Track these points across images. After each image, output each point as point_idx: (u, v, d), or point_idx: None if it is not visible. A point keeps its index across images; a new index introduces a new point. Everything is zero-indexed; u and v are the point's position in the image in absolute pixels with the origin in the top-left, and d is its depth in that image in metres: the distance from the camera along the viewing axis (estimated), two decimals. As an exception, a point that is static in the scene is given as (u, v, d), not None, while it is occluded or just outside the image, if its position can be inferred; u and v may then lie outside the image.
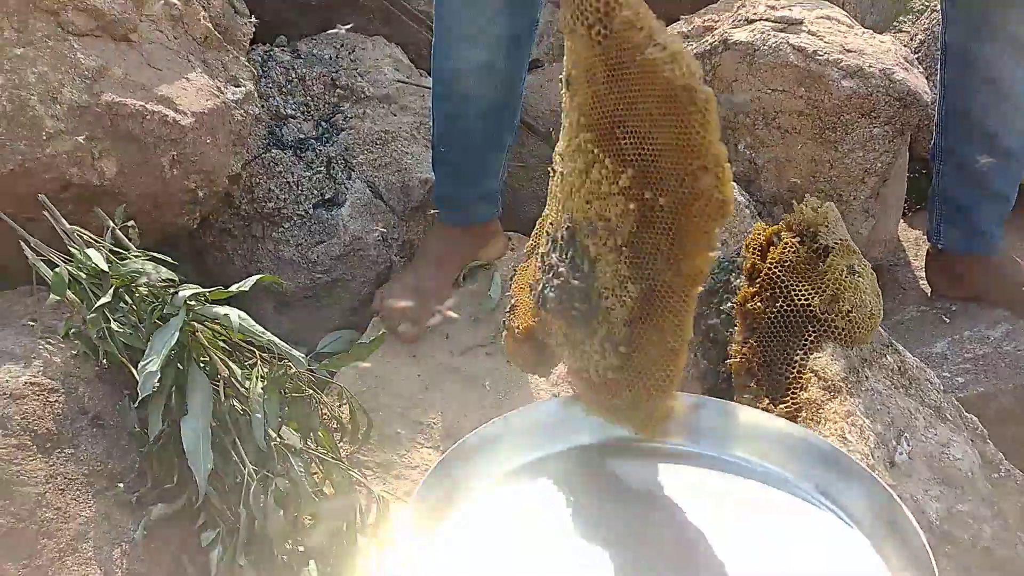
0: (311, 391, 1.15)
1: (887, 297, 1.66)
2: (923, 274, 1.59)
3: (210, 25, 1.44)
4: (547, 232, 0.77)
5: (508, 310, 0.86)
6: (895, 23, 2.46)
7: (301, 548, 1.05)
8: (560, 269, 0.71)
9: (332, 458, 1.11)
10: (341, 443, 1.17)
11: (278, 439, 1.08)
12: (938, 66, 1.41)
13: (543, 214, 0.87)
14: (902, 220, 1.79)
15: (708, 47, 1.65)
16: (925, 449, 0.74)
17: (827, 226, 0.80)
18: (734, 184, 1.63)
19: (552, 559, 0.68)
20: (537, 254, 0.79)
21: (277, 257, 1.50)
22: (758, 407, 0.77)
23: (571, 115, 0.70)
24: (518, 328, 0.82)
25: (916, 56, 1.86)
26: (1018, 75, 1.28)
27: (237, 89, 1.46)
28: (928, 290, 1.58)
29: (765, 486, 0.69)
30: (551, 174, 0.77)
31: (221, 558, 1.01)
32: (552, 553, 0.68)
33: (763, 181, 1.67)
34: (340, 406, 1.16)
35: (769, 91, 1.58)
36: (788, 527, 0.67)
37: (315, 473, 1.10)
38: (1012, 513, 0.74)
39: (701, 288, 0.67)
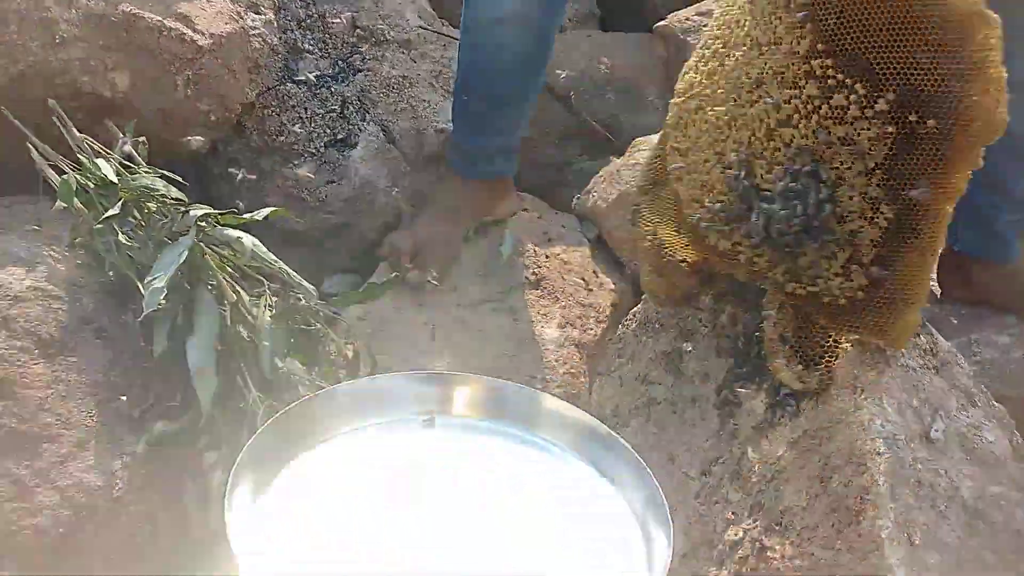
0: (319, 325, 1.13)
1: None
2: (935, 275, 1.58)
3: (232, -52, 1.40)
4: (734, 163, 0.80)
5: (650, 249, 0.85)
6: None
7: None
8: (785, 198, 0.74)
9: (336, 392, 1.08)
10: (344, 379, 1.14)
11: (283, 368, 1.06)
12: None
13: (661, 145, 0.93)
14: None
15: (738, 27, 1.64)
16: (958, 429, 0.73)
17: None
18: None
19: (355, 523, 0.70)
20: (705, 187, 0.83)
21: (285, 193, 1.47)
22: (792, 373, 0.77)
23: (790, 42, 0.72)
24: (685, 262, 0.84)
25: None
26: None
27: (257, 16, 1.42)
28: (938, 291, 1.57)
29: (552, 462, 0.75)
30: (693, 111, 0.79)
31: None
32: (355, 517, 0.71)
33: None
34: (346, 344, 1.14)
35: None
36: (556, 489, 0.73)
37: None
38: (1037, 501, 0.73)
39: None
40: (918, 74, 0.68)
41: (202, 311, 1.02)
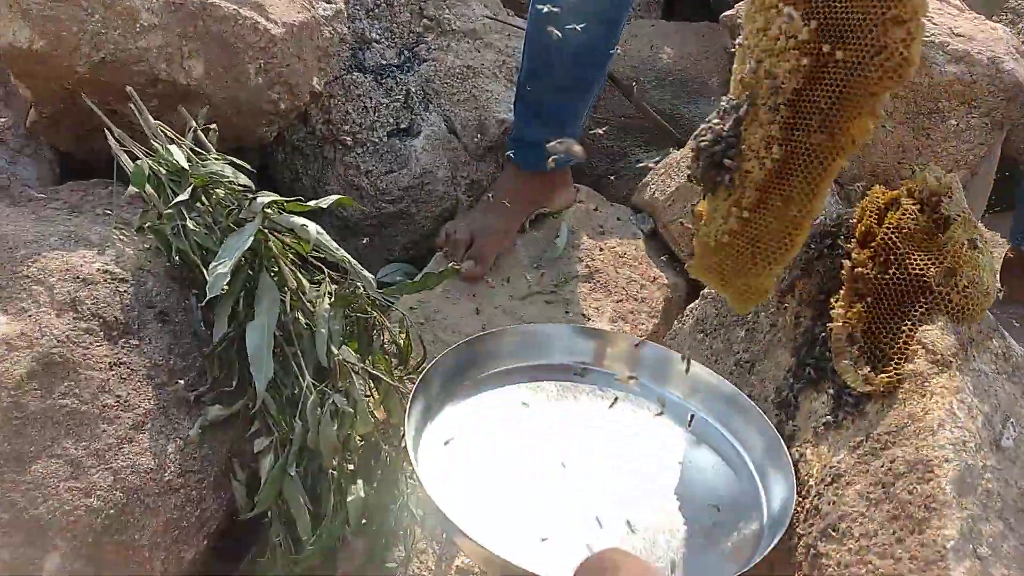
0: (376, 314, 1.14)
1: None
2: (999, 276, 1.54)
3: (305, -62, 1.41)
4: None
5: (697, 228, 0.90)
6: (1006, 10, 2.36)
7: (351, 467, 1.04)
8: (711, 133, 0.73)
9: (388, 381, 1.10)
10: (397, 368, 1.15)
11: (339, 356, 1.07)
12: None
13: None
14: (980, 220, 1.73)
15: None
16: (1029, 437, 0.71)
17: (951, 197, 0.76)
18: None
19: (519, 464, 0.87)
20: None
21: (347, 182, 1.49)
22: (859, 374, 0.75)
23: None
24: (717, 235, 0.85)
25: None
26: None
27: (328, 5, 1.44)
28: (1002, 293, 1.53)
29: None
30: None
31: (272, 465, 1.00)
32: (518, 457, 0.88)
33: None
34: (400, 333, 1.15)
35: (864, 69, 1.53)
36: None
37: (369, 396, 1.09)
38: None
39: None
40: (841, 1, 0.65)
41: (263, 297, 1.04)
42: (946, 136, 1.48)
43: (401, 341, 1.15)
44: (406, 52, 1.60)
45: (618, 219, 1.57)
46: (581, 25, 1.33)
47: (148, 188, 1.09)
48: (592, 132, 1.66)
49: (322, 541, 1.00)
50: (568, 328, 1.06)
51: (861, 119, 0.66)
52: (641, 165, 1.68)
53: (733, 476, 0.83)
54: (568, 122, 1.42)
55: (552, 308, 1.34)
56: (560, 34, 1.34)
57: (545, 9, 1.35)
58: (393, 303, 1.19)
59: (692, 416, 0.92)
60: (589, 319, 1.34)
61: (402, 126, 1.52)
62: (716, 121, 0.74)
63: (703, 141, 0.75)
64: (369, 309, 1.14)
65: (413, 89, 1.55)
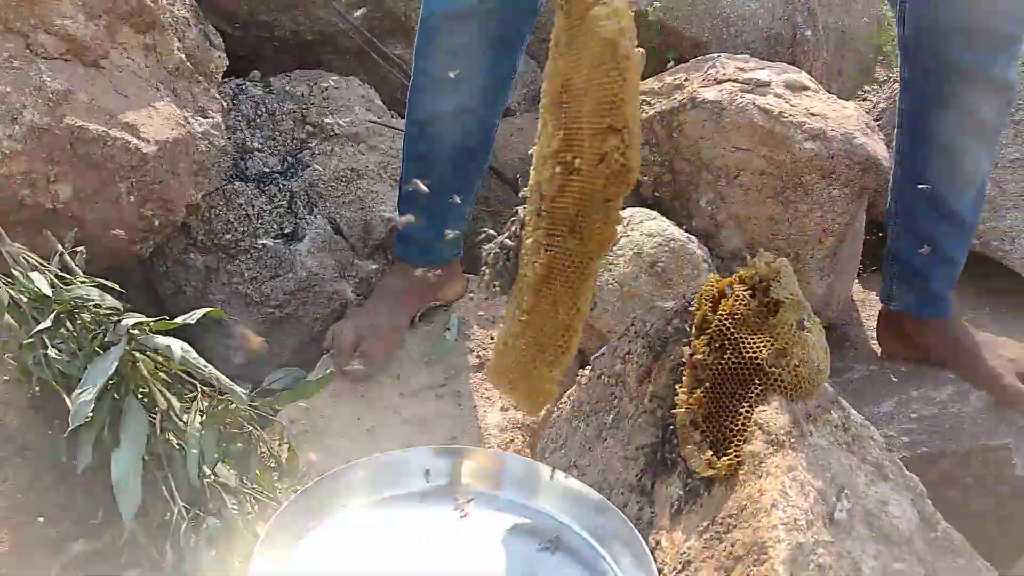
0: (251, 428, 1.13)
1: (839, 355, 1.68)
2: (874, 334, 1.61)
3: (183, 56, 1.44)
4: None
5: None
6: (859, 92, 2.53)
7: (232, 590, 1.01)
8: (502, 240, 0.76)
9: (268, 498, 1.08)
10: (278, 483, 1.13)
11: (213, 476, 1.05)
12: (895, 133, 1.44)
13: None
14: (856, 280, 1.82)
15: (677, 104, 1.68)
16: (865, 507, 0.73)
17: (779, 281, 0.80)
18: (692, 237, 1.64)
19: None
20: None
21: (230, 290, 1.48)
22: (702, 459, 0.77)
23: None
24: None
25: (878, 123, 1.91)
26: (969, 146, 1.32)
27: (204, 120, 1.46)
28: (879, 350, 1.59)
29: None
30: None
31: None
32: None
33: (723, 237, 1.68)
34: (280, 444, 1.13)
35: (734, 149, 1.61)
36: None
37: (250, 513, 1.07)
38: (946, 573, 0.73)
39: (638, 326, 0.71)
40: (578, 110, 0.68)
41: (130, 421, 1.01)
42: (811, 208, 1.56)
43: (283, 454, 1.14)
44: (289, 159, 1.62)
45: (510, 306, 1.60)
46: (455, 127, 1.38)
47: (8, 317, 1.06)
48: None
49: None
50: (423, 451, 1.00)
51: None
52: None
53: None
54: (450, 217, 1.45)
55: (442, 402, 1.35)
56: (436, 136, 1.39)
57: (420, 113, 1.39)
58: (271, 415, 1.17)
59: (556, 539, 0.87)
60: (480, 410, 1.35)
61: (286, 231, 1.53)
62: (503, 238, 0.78)
63: (488, 251, 0.79)
64: (247, 424, 1.13)
65: (297, 194, 1.57)
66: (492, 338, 1.49)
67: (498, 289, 0.82)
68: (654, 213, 1.63)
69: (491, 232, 0.82)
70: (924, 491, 0.81)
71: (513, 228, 0.77)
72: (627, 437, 0.92)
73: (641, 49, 0.67)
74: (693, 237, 1.58)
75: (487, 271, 0.81)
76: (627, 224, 1.61)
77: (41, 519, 0.96)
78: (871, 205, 1.74)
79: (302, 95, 1.69)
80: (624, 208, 1.67)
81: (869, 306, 1.77)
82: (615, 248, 1.59)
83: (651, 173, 1.77)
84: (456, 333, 1.45)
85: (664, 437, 0.84)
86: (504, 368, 0.80)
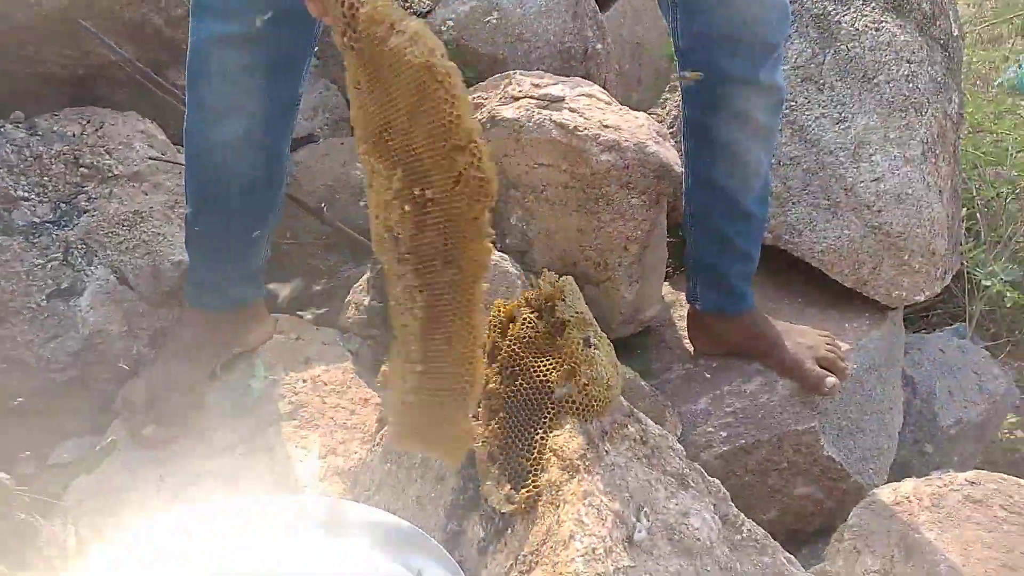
0: (25, 516, 1.00)
1: (656, 357, 1.72)
2: (686, 333, 1.66)
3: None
4: None
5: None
6: (659, 101, 2.65)
7: None
8: (365, 299, 0.71)
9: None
10: (66, 572, 1.02)
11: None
12: (681, 139, 1.50)
13: None
14: (667, 283, 1.87)
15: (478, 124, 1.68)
16: (666, 521, 0.73)
17: (564, 299, 0.79)
18: (504, 256, 1.64)
19: None
20: None
21: (3, 357, 1.33)
22: (501, 494, 0.74)
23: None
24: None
25: (671, 131, 1.99)
26: (748, 146, 1.39)
27: None
28: (692, 348, 1.65)
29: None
30: None
31: None
32: None
33: (536, 252, 1.69)
34: (65, 530, 1.02)
35: (537, 165, 1.62)
36: None
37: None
38: (752, 573, 0.74)
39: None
40: (411, 144, 0.66)
41: None
42: (613, 217, 1.59)
43: (69, 542, 1.02)
44: (62, 205, 1.48)
45: (324, 343, 1.52)
46: (237, 158, 1.30)
47: None
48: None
49: None
50: (200, 510, 0.89)
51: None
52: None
53: None
54: (244, 255, 1.37)
55: (251, 460, 1.26)
56: (217, 169, 1.30)
57: (198, 147, 1.30)
58: (54, 499, 1.05)
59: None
60: (296, 461, 1.27)
61: (63, 286, 1.39)
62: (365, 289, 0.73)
63: (351, 320, 0.74)
64: (19, 513, 1.00)
65: (73, 243, 1.43)
66: (304, 381, 1.42)
67: (384, 367, 0.76)
68: (464, 234, 1.62)
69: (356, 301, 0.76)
70: (727, 495, 0.82)
71: (370, 293, 0.72)
72: (436, 477, 0.88)
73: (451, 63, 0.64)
74: (505, 256, 1.57)
75: (359, 340, 0.75)
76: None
77: None
78: (673, 210, 1.81)
79: (74, 135, 1.54)
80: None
81: (680, 306, 1.83)
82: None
83: (459, 193, 1.75)
84: (263, 381, 1.37)
85: (469, 475, 0.81)
86: (413, 428, 0.73)
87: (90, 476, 1.15)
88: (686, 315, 1.65)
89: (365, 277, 0.76)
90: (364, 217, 1.87)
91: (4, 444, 1.32)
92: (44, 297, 1.37)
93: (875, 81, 1.68)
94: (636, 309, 1.66)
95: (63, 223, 1.45)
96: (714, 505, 0.79)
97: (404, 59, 0.63)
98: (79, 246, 1.43)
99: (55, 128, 1.55)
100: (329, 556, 0.81)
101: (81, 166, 1.53)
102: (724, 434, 1.50)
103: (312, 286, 1.80)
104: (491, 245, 0.70)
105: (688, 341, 1.66)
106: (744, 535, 0.80)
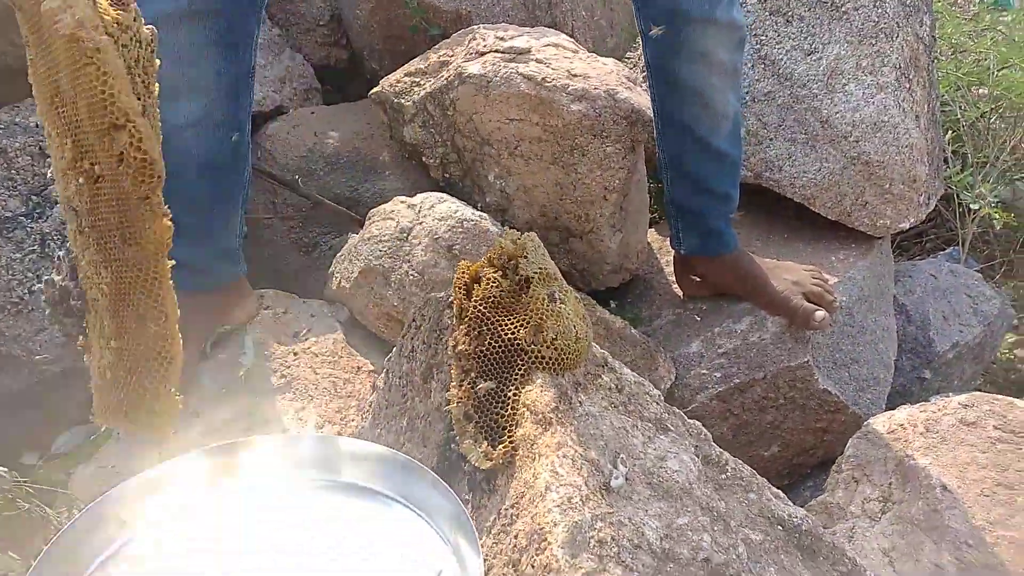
0: (29, 505, 1.01)
1: (646, 304, 1.72)
2: (674, 278, 1.66)
3: None
4: None
5: None
6: (634, 44, 2.61)
7: None
8: (59, 282, 0.68)
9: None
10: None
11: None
12: (647, 85, 1.48)
13: None
14: (651, 228, 1.87)
15: (445, 82, 1.66)
16: (644, 466, 0.74)
17: (527, 256, 0.79)
18: (484, 215, 1.63)
19: None
20: None
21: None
22: (479, 451, 0.75)
23: None
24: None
25: (643, 76, 1.96)
26: (713, 84, 1.37)
27: None
28: (681, 293, 1.65)
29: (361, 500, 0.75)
30: None
31: None
32: None
33: (516, 209, 1.68)
34: (73, 513, 1.03)
35: (508, 120, 1.60)
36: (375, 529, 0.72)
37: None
38: (736, 513, 0.75)
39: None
40: (76, 116, 0.63)
41: None
42: (590, 168, 1.58)
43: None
44: (33, 198, 1.47)
45: (312, 315, 1.52)
46: (197, 139, 1.28)
47: None
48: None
49: None
50: (195, 455, 0.86)
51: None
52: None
53: (422, 545, 0.75)
54: (218, 233, 1.36)
55: (251, 433, 1.26)
56: (178, 151, 1.29)
57: (160, 129, 1.29)
58: (59, 488, 1.06)
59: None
60: (292, 433, 1.28)
61: (44, 277, 1.39)
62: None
63: (48, 299, 0.71)
64: (22, 502, 1.02)
65: (49, 235, 1.42)
66: (295, 354, 1.42)
67: (82, 338, 0.73)
68: (444, 196, 1.61)
69: (51, 278, 0.74)
70: (708, 436, 0.82)
71: (68, 262, 0.70)
72: (421, 438, 0.89)
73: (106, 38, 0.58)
74: (485, 215, 1.56)
75: (53, 320, 0.72)
76: (419, 211, 1.57)
77: None
78: (651, 156, 1.79)
79: (37, 125, 1.53)
80: (414, 195, 1.63)
81: (666, 252, 1.83)
82: (410, 237, 1.55)
83: (435, 155, 1.74)
84: (253, 356, 1.37)
85: (450, 435, 0.81)
86: (113, 404, 0.70)
87: (90, 464, 1.15)
88: (672, 260, 1.65)
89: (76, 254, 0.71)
90: (341, 186, 1.86)
91: (5, 438, 1.33)
92: (26, 291, 1.37)
93: (843, 9, 1.65)
94: (622, 258, 1.66)
95: (36, 215, 1.44)
96: (695, 447, 0.80)
97: (55, 28, 0.58)
98: (55, 237, 1.42)
99: (16, 120, 1.53)
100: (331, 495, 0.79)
101: (47, 155, 1.52)
102: (718, 375, 1.51)
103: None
104: (170, 223, 0.67)
105: (676, 286, 1.65)
106: (729, 474, 0.80)
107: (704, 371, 1.54)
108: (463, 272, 0.81)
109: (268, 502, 0.77)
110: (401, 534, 0.71)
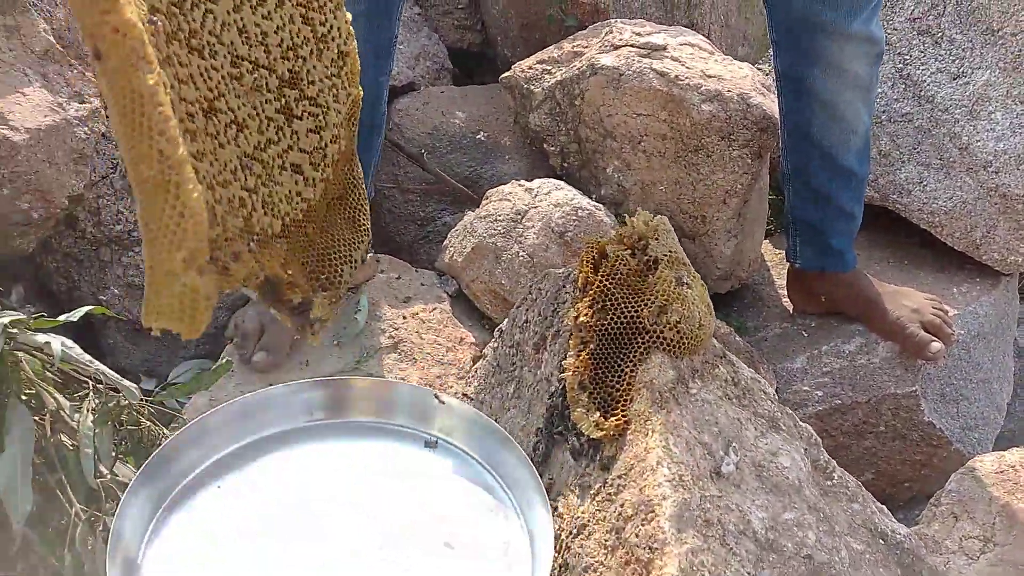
0: (151, 424, 1.09)
1: (753, 314, 1.70)
2: (785, 292, 1.64)
3: (52, 39, 1.37)
4: None
5: None
6: (765, 55, 2.57)
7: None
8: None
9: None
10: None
11: (111, 476, 1.01)
12: (777, 94, 1.46)
13: None
14: (767, 240, 1.84)
15: (577, 72, 1.68)
16: (754, 459, 0.74)
17: (657, 238, 0.80)
18: (600, 205, 1.64)
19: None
20: None
21: (127, 283, 1.42)
22: (591, 421, 0.77)
23: None
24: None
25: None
26: (846, 97, 1.34)
27: (81, 106, 1.39)
28: (790, 307, 1.62)
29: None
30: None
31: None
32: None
33: (631, 203, 1.69)
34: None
35: (635, 115, 1.61)
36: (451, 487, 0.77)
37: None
38: (840, 518, 0.74)
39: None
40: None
41: (14, 426, 0.97)
42: (713, 169, 1.57)
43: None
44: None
45: (422, 284, 1.57)
46: None
47: None
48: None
49: None
50: (295, 386, 0.90)
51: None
52: None
53: (493, 511, 0.75)
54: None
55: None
56: None
57: None
58: (175, 410, 1.13)
59: (435, 441, 0.81)
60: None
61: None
62: None
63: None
64: (144, 420, 1.09)
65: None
66: (404, 318, 1.47)
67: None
68: (561, 183, 1.63)
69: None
70: (819, 441, 0.82)
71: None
72: (527, 406, 0.91)
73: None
74: (601, 205, 1.58)
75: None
76: (535, 195, 1.60)
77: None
78: (775, 165, 1.77)
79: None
80: (532, 180, 1.65)
81: (780, 264, 1.80)
82: (524, 220, 1.58)
83: (557, 143, 1.76)
84: (366, 315, 1.43)
85: (558, 403, 0.84)
86: (149, 298, 0.63)
87: (206, 393, 1.23)
88: (786, 273, 1.63)
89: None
90: (462, 165, 1.91)
91: (129, 363, 1.43)
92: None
93: (1000, 34, 1.58)
94: (734, 265, 1.65)
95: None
96: (804, 449, 0.79)
97: None
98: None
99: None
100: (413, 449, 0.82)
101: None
102: (820, 393, 1.48)
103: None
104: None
105: (787, 299, 1.63)
106: (835, 481, 0.80)
107: (806, 388, 1.51)
108: (591, 247, 0.83)
109: (353, 441, 0.81)
110: (476, 496, 0.75)
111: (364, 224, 0.70)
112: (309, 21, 0.71)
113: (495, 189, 1.66)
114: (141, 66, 0.55)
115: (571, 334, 0.80)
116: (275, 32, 0.70)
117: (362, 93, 0.76)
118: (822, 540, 0.69)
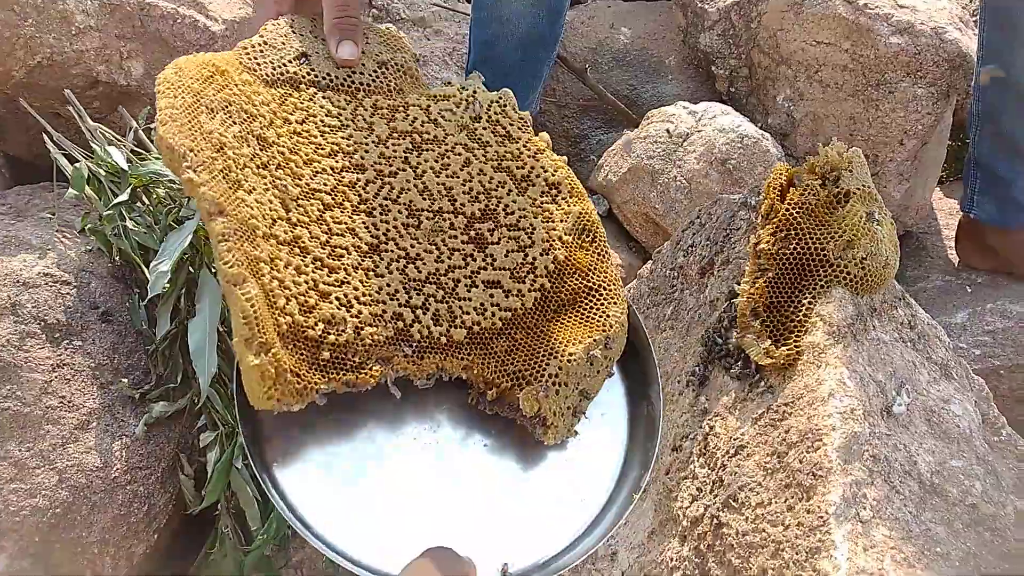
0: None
1: (914, 264, 1.63)
2: (952, 244, 1.55)
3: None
4: None
5: None
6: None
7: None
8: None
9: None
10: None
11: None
12: (978, 28, 1.35)
13: None
14: (938, 187, 1.75)
15: (755, -7, 1.61)
16: (925, 404, 0.72)
17: (851, 171, 0.77)
18: (767, 135, 1.59)
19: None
20: None
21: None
22: (761, 348, 0.77)
23: None
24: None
25: (974, 19, 1.79)
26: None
27: (270, 1, 1.45)
28: (955, 260, 1.54)
29: None
30: None
31: (219, 459, 1.02)
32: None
33: (799, 136, 1.63)
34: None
35: (815, 43, 1.53)
36: None
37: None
38: (1007, 476, 0.72)
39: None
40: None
41: (204, 293, 1.05)
42: (894, 107, 1.49)
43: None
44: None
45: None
46: (522, 10, 1.34)
47: (88, 190, 1.10)
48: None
49: (272, 530, 1.03)
50: None
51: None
52: None
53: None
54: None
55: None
56: (503, 20, 1.36)
57: (488, 1, 1.36)
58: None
59: None
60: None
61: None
62: None
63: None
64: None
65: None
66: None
67: None
68: (728, 108, 1.58)
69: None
70: (990, 395, 0.79)
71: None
72: (686, 328, 0.92)
73: None
74: (767, 135, 1.53)
75: None
76: (699, 119, 1.56)
77: (125, 380, 1.01)
78: (958, 107, 1.66)
79: None
80: (697, 103, 1.61)
81: (949, 215, 1.71)
82: (685, 144, 1.55)
83: (727, 67, 1.70)
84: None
85: (722, 328, 0.84)
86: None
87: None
88: (957, 223, 1.54)
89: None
90: (622, 84, 1.88)
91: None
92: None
93: None
94: (902, 210, 1.57)
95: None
96: (975, 401, 0.77)
97: None
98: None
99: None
100: None
101: (373, 6, 1.64)
102: (977, 352, 1.42)
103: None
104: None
105: (954, 252, 1.55)
106: (1003, 438, 0.77)
107: (963, 345, 1.45)
108: (779, 173, 0.81)
109: None
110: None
111: (599, 320, 0.70)
112: (504, 170, 0.71)
113: (657, 110, 1.63)
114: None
115: (749, 260, 0.80)
116: (462, 184, 0.70)
117: (586, 194, 0.75)
118: (989, 493, 0.68)
